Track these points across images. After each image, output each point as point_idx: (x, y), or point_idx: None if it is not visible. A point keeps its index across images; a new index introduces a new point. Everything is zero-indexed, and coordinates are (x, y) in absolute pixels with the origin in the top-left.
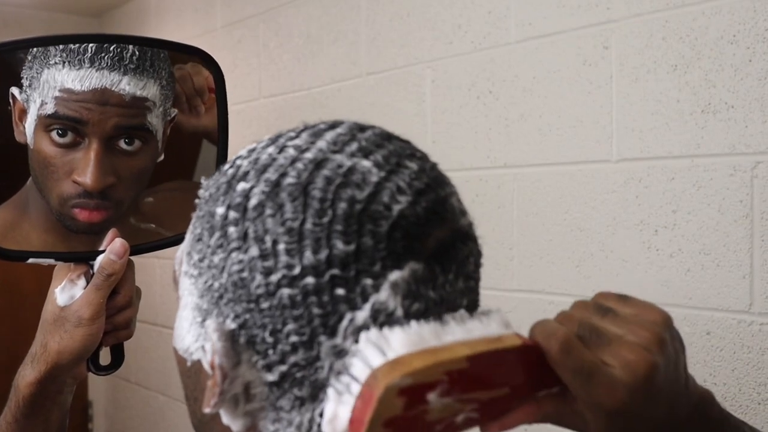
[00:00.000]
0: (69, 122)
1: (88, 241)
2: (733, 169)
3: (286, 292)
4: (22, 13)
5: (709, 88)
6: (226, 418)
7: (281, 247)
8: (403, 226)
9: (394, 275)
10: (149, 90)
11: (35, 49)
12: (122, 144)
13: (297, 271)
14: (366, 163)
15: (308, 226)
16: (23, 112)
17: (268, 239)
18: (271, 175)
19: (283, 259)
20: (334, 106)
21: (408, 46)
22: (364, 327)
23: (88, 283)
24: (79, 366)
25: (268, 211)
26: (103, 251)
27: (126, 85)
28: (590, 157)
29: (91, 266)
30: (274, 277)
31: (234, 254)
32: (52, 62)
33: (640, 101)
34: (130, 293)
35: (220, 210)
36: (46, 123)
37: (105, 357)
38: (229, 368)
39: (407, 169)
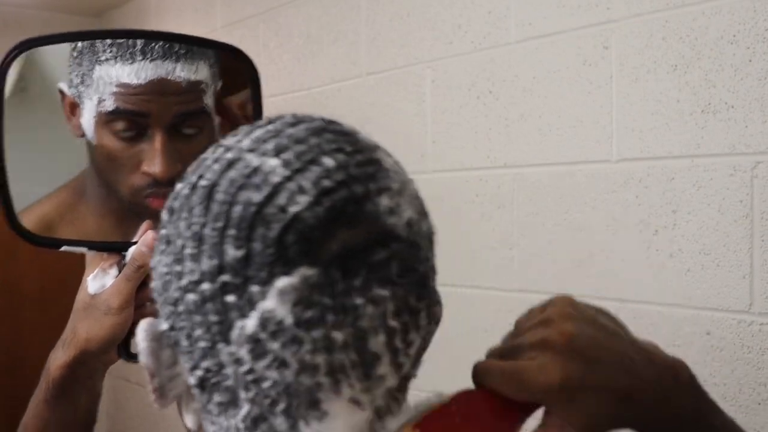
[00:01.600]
0: (131, 116)
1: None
2: (733, 169)
3: (191, 297)
4: (22, 13)
5: (709, 88)
6: (182, 415)
7: (187, 251)
8: (297, 229)
9: (282, 282)
10: (202, 72)
11: (80, 44)
12: (184, 129)
13: (197, 276)
14: (273, 163)
15: (207, 230)
16: (74, 107)
17: (179, 243)
18: (194, 176)
19: (188, 264)
20: (334, 106)
21: (408, 46)
22: (254, 336)
23: (119, 272)
24: (109, 353)
25: (183, 215)
26: (136, 242)
27: (181, 71)
28: (590, 157)
29: (124, 256)
30: (183, 282)
31: (160, 257)
32: (103, 58)
33: (640, 101)
34: None
35: (164, 212)
36: (107, 119)
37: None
38: (156, 368)
39: (319, 166)
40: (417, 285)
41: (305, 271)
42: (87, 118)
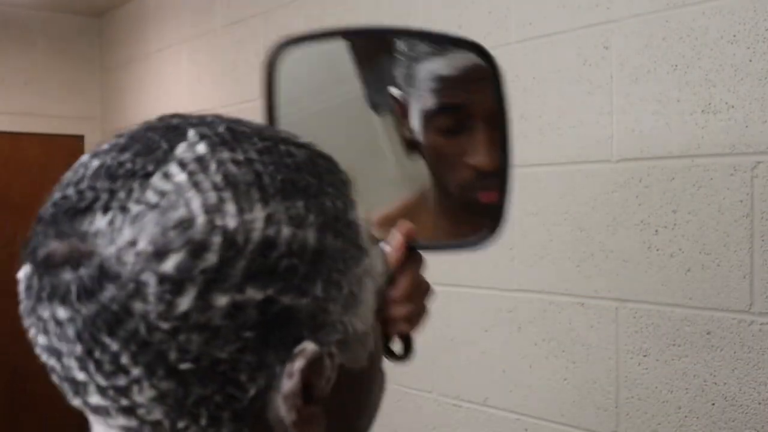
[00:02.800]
0: (450, 109)
1: (475, 225)
2: (733, 169)
3: None
4: (22, 13)
5: (709, 88)
6: None
7: None
8: (33, 226)
9: (22, 270)
10: None
11: (403, 46)
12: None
13: None
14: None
15: None
16: (404, 109)
17: None
18: None
19: None
20: None
21: None
22: None
23: None
24: None
25: None
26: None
27: None
28: (590, 157)
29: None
30: None
31: None
32: (422, 55)
33: (640, 101)
34: (407, 288)
35: None
36: (430, 116)
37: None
38: None
39: (73, 172)
40: (107, 319)
41: (26, 267)
42: (414, 118)
